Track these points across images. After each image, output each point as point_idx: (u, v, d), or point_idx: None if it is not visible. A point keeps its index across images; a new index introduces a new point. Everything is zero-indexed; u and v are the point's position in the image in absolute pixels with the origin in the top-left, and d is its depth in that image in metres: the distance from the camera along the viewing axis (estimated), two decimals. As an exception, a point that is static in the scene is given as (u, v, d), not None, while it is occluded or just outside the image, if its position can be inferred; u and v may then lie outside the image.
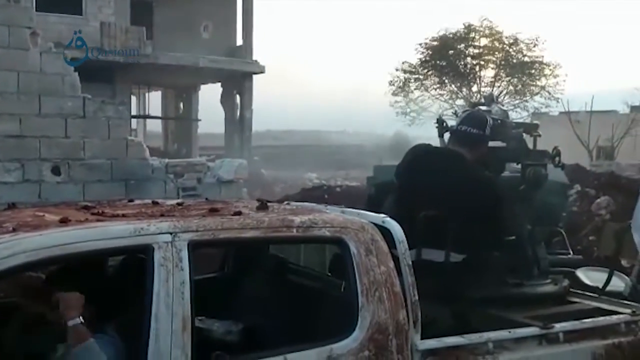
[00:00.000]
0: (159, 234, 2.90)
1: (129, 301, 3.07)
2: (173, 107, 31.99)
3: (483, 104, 5.08)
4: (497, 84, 33.73)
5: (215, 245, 3.79)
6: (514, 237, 4.45)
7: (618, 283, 4.75)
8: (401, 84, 34.51)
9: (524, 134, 4.81)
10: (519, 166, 4.64)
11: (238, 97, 28.09)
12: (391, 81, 34.64)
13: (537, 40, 33.08)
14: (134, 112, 29.32)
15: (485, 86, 33.46)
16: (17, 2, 9.99)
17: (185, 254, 2.90)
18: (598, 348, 3.76)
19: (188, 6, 25.94)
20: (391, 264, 3.32)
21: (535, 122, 6.89)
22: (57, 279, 3.26)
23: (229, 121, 28.63)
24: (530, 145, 4.85)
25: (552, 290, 4.58)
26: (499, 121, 4.62)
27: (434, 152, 4.56)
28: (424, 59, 33.71)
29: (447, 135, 4.75)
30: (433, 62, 33.28)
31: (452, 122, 4.76)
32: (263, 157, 32.36)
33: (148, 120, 33.57)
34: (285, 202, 4.10)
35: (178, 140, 31.22)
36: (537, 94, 34.27)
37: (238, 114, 28.10)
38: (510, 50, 33.29)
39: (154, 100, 32.96)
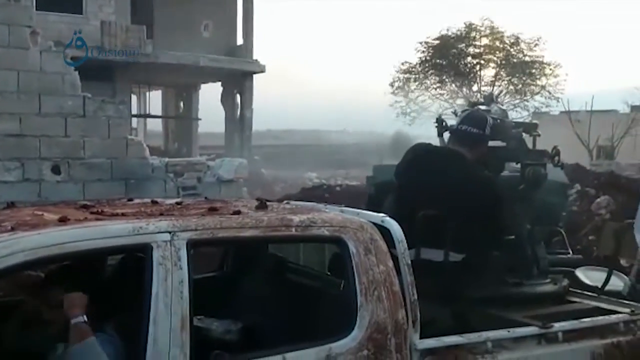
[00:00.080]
0: (158, 233, 2.90)
1: (128, 300, 3.07)
2: (173, 106, 31.98)
3: (482, 104, 5.08)
4: (497, 84, 33.74)
5: (214, 245, 3.79)
6: (513, 237, 4.45)
7: (617, 282, 4.76)
8: (401, 83, 34.53)
9: (524, 134, 4.82)
10: (519, 166, 4.63)
11: (238, 96, 28.08)
12: (392, 83, 34.69)
13: (538, 40, 33.12)
14: (134, 111, 29.32)
15: (486, 85, 33.48)
16: (17, 1, 10.00)
17: (184, 253, 2.90)
18: (597, 347, 3.77)
19: (188, 5, 25.93)
20: (390, 264, 3.32)
21: (534, 121, 6.87)
22: (56, 278, 3.26)
23: (229, 120, 28.62)
24: (530, 145, 4.85)
25: (551, 289, 4.58)
26: (499, 121, 4.62)
27: (433, 152, 4.56)
28: (424, 58, 33.72)
29: (446, 135, 4.75)
30: (433, 61, 33.29)
31: (451, 122, 4.76)
32: (263, 157, 32.35)
33: (148, 119, 33.56)
34: (285, 202, 4.09)
35: (178, 139, 31.21)
36: (537, 93, 34.30)
37: (238, 113, 28.08)
38: (511, 49, 33.29)
39: (155, 99, 32.98)
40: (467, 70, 33.38)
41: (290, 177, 26.43)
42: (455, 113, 4.83)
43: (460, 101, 31.50)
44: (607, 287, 4.63)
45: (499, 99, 29.45)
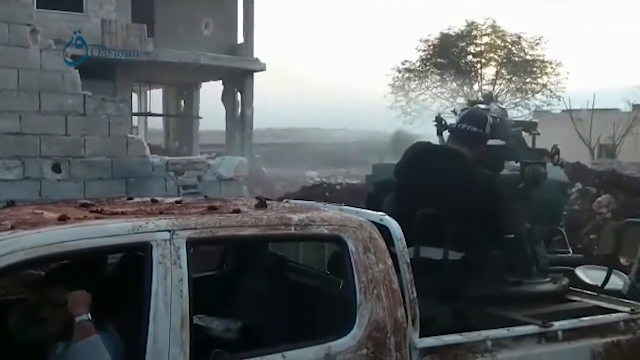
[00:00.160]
0: (158, 231, 2.90)
1: (128, 299, 3.08)
2: (174, 105, 31.98)
3: (482, 103, 5.08)
4: (498, 82, 33.74)
5: (214, 243, 3.79)
6: (513, 236, 4.45)
7: (617, 282, 4.75)
8: (402, 83, 34.53)
9: (524, 133, 4.81)
10: (519, 164, 4.63)
11: (239, 95, 28.08)
12: (393, 84, 34.69)
13: (540, 39, 33.11)
14: (135, 109, 29.31)
15: (487, 84, 33.47)
16: (18, -1, 10.00)
17: (183, 252, 2.90)
18: (597, 346, 3.77)
19: (189, 4, 25.94)
20: (390, 262, 3.32)
21: (534, 120, 6.87)
22: (56, 277, 3.27)
23: (230, 119, 28.62)
24: (530, 144, 4.85)
25: (551, 288, 4.58)
26: (499, 119, 4.62)
27: (433, 151, 4.56)
28: (425, 57, 33.72)
29: (446, 134, 4.75)
30: (434, 60, 33.29)
31: (451, 121, 4.76)
32: (264, 155, 32.34)
33: (149, 118, 33.56)
34: (285, 201, 4.09)
35: (179, 137, 31.23)
36: (538, 92, 34.31)
37: (239, 111, 28.09)
38: (513, 48, 33.28)
39: (156, 98, 32.98)
40: (469, 69, 33.37)
41: (291, 176, 26.40)
42: (455, 112, 4.83)
43: (461, 100, 31.50)
44: (608, 286, 4.63)
45: (499, 98, 29.45)
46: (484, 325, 3.67)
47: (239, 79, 27.46)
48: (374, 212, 3.57)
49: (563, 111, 35.52)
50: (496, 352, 3.47)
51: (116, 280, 3.60)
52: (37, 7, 13.26)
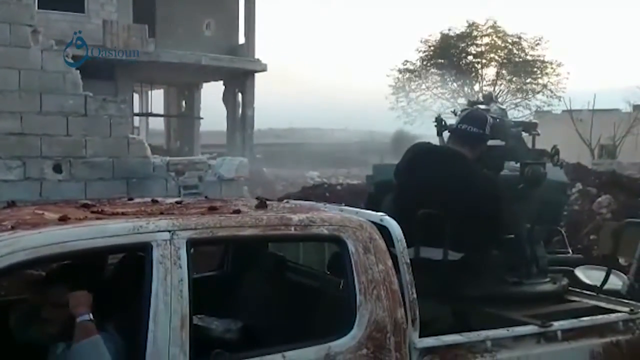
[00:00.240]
0: (158, 231, 2.91)
1: (128, 299, 3.09)
2: (175, 105, 31.99)
3: (482, 103, 5.09)
4: (499, 82, 33.74)
5: (214, 243, 3.80)
6: (512, 236, 4.46)
7: (616, 281, 4.75)
8: (402, 83, 34.52)
9: (523, 133, 4.82)
10: (518, 165, 4.64)
11: (240, 95, 28.08)
12: (394, 85, 34.70)
13: (540, 40, 33.11)
14: (136, 109, 29.34)
15: (487, 84, 33.47)
16: None
17: (183, 252, 2.90)
18: (596, 346, 3.78)
19: (190, 4, 25.95)
20: (389, 262, 3.32)
21: (534, 120, 6.88)
22: (57, 277, 3.27)
23: (230, 119, 28.62)
24: (530, 144, 4.86)
25: (550, 288, 4.58)
26: (498, 120, 4.63)
27: (433, 151, 4.57)
28: (425, 57, 33.72)
29: (446, 134, 4.75)
30: (434, 60, 33.29)
31: (451, 121, 4.77)
32: (265, 155, 32.34)
33: (150, 118, 33.57)
34: (285, 201, 4.10)
35: (180, 138, 31.23)
36: (539, 92, 34.29)
37: (240, 111, 28.09)
38: (513, 48, 33.28)
39: (157, 98, 32.99)
40: (469, 69, 33.36)
41: (291, 176, 26.39)
42: (454, 112, 4.84)
43: (461, 100, 31.50)
44: (606, 286, 4.63)
45: (499, 98, 29.48)
46: (483, 325, 3.68)
47: (239, 79, 27.47)
48: (374, 213, 3.57)
49: (563, 111, 35.53)
50: (495, 352, 3.48)
51: (116, 281, 3.61)
52: (38, 8, 13.25)
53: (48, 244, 2.73)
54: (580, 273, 4.98)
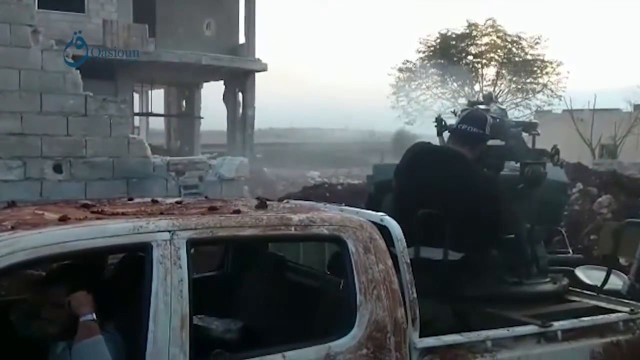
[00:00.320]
0: (158, 232, 2.91)
1: (128, 299, 3.09)
2: (176, 105, 31.97)
3: (482, 103, 5.09)
4: (499, 82, 33.76)
5: (214, 243, 3.80)
6: (512, 236, 4.46)
7: (616, 281, 4.75)
8: (403, 83, 34.55)
9: (524, 133, 4.82)
10: (518, 165, 4.64)
11: (240, 94, 28.07)
12: (395, 84, 34.72)
13: (539, 38, 33.13)
14: (136, 109, 29.33)
15: (488, 84, 33.49)
16: None
17: (183, 252, 2.90)
18: (596, 346, 3.78)
19: (191, 4, 25.95)
20: (389, 262, 3.32)
21: (534, 120, 6.88)
22: (57, 277, 3.28)
23: (231, 119, 28.61)
24: (530, 144, 4.86)
25: (551, 288, 4.58)
26: (498, 120, 4.63)
27: (433, 151, 4.57)
28: (425, 57, 33.74)
29: (446, 134, 4.76)
30: (435, 60, 33.31)
31: (451, 121, 4.77)
32: (265, 155, 32.33)
33: (151, 118, 33.57)
34: (285, 200, 4.10)
35: (181, 137, 31.22)
36: (539, 92, 34.32)
37: (240, 111, 28.08)
38: (513, 48, 33.29)
39: (157, 98, 32.96)
40: (469, 69, 33.38)
41: (291, 176, 26.39)
42: (454, 113, 4.84)
43: (462, 100, 31.52)
44: (607, 286, 4.63)
45: (500, 98, 29.51)
46: (483, 325, 3.68)
47: (240, 79, 27.47)
48: (374, 212, 3.58)
49: (564, 111, 35.53)
50: (496, 352, 3.48)
51: (116, 281, 3.61)
52: (39, 8, 13.28)
53: (48, 244, 2.73)
54: (581, 273, 4.98)
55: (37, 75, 9.80)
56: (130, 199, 4.13)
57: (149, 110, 32.00)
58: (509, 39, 33.33)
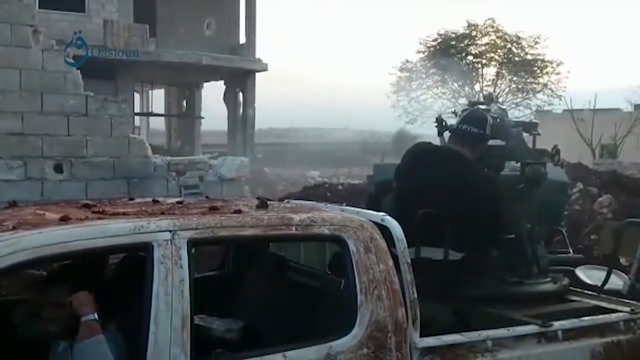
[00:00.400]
0: (159, 231, 2.91)
1: (129, 299, 3.09)
2: (176, 105, 31.98)
3: (482, 103, 5.09)
4: (499, 82, 33.76)
5: (215, 243, 3.81)
6: (513, 236, 4.46)
7: (617, 281, 4.75)
8: (403, 82, 34.56)
9: (524, 133, 4.82)
10: (519, 164, 4.64)
11: (241, 94, 28.06)
12: (396, 83, 34.72)
13: (538, 38, 33.14)
14: (137, 109, 29.33)
15: (488, 84, 33.50)
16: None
17: (184, 252, 2.91)
18: (597, 346, 3.78)
19: (191, 3, 25.95)
20: (390, 262, 3.33)
21: (534, 120, 6.89)
22: (58, 277, 3.28)
23: (231, 119, 28.60)
24: (530, 144, 4.86)
25: (551, 288, 4.58)
26: (499, 120, 4.63)
27: (434, 151, 4.57)
28: (425, 57, 33.75)
29: (447, 134, 4.76)
30: (435, 60, 33.32)
31: (451, 121, 4.77)
32: (266, 155, 32.33)
33: (151, 118, 33.58)
34: (286, 200, 4.10)
35: (181, 137, 31.23)
36: (539, 91, 34.32)
37: (241, 111, 28.07)
38: (513, 47, 33.30)
39: (157, 98, 32.96)
40: (469, 69, 33.38)
41: (292, 176, 26.38)
42: (455, 113, 4.84)
43: (462, 100, 31.54)
44: (607, 286, 4.63)
45: (500, 98, 29.52)
46: (484, 324, 3.68)
47: (240, 79, 27.46)
48: (375, 212, 3.58)
49: (564, 111, 35.52)
50: (496, 352, 3.48)
51: (117, 280, 3.61)
52: (39, 8, 13.27)
53: (49, 244, 2.73)
54: (581, 273, 4.99)
55: (37, 75, 9.80)
56: (131, 199, 4.13)
57: (150, 110, 32.01)
58: (508, 39, 33.33)
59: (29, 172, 9.82)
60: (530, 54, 33.50)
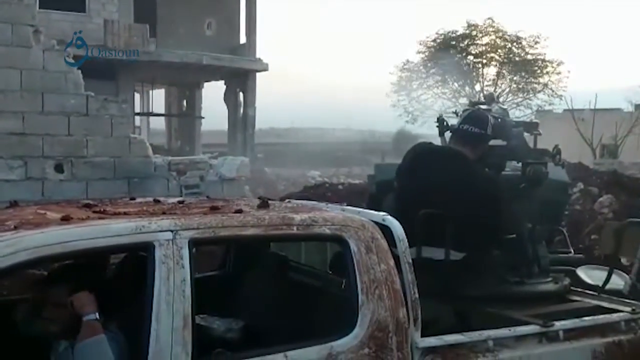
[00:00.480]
0: (160, 231, 2.91)
1: (130, 298, 3.09)
2: (176, 105, 32.00)
3: (483, 103, 5.09)
4: (499, 82, 33.75)
5: (216, 243, 3.81)
6: (514, 236, 4.46)
7: (618, 281, 4.75)
8: (404, 82, 34.56)
9: (525, 133, 4.82)
10: (520, 164, 4.64)
11: (241, 94, 28.07)
12: (397, 82, 34.71)
13: (538, 37, 33.14)
14: (137, 109, 29.33)
15: (488, 84, 33.49)
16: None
17: (186, 252, 2.91)
18: (598, 346, 3.78)
19: (191, 3, 25.96)
20: (391, 262, 3.33)
21: (535, 120, 6.88)
22: (59, 277, 3.28)
23: (232, 119, 28.61)
24: (531, 144, 4.86)
25: (552, 288, 4.58)
26: (500, 120, 4.63)
27: (435, 151, 4.57)
28: (425, 57, 33.75)
29: (448, 134, 4.76)
30: (435, 60, 33.32)
31: (452, 121, 4.77)
32: (266, 155, 32.35)
33: (152, 118, 33.59)
34: (286, 200, 4.10)
35: (181, 137, 31.25)
36: (540, 91, 34.31)
37: (241, 111, 28.08)
38: (513, 47, 33.29)
39: (158, 98, 32.97)
40: (470, 69, 33.37)
41: (292, 175, 26.39)
42: (456, 113, 4.84)
43: (463, 100, 31.53)
44: (608, 286, 4.63)
45: (500, 98, 29.52)
46: (485, 324, 3.68)
47: (240, 79, 27.47)
48: (376, 212, 3.58)
49: (565, 110, 35.50)
50: (497, 352, 3.48)
51: (118, 280, 3.61)
52: (40, 8, 13.29)
53: (50, 244, 2.73)
54: (582, 273, 4.99)
55: (38, 75, 9.81)
56: (132, 199, 4.13)
57: (150, 110, 32.00)
58: (509, 39, 33.33)
59: (30, 172, 9.82)
60: (531, 54, 33.49)
